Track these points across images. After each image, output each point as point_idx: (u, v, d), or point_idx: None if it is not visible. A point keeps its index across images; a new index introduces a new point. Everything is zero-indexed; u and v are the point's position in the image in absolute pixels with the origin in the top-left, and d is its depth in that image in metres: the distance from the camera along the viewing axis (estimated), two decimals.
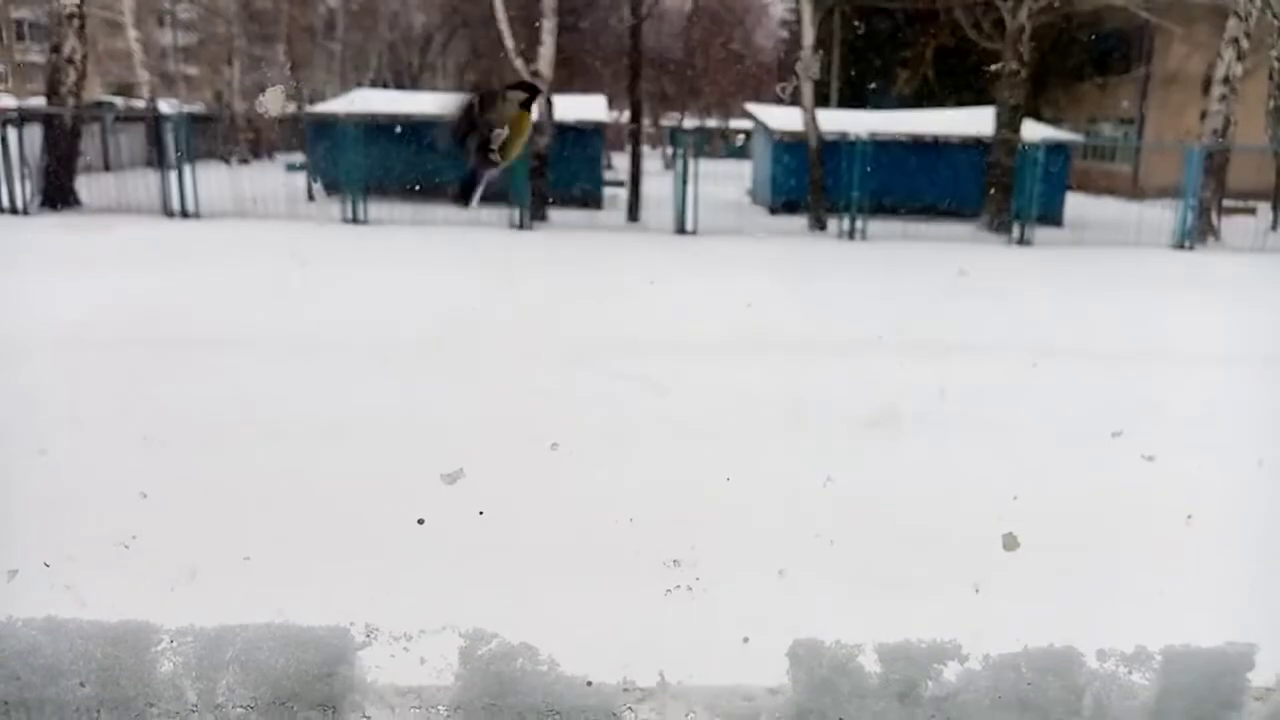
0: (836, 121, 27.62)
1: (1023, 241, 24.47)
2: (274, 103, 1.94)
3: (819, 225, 25.99)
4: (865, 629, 1.62)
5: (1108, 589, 5.49)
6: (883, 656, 1.51)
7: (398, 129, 26.77)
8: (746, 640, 2.01)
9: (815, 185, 26.28)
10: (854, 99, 38.25)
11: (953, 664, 1.52)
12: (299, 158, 32.13)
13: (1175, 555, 5.57)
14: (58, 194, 24.40)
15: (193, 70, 49.63)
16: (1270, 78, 26.15)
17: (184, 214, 24.11)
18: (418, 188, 25.96)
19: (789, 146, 28.43)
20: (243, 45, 43.86)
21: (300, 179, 28.89)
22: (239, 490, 6.72)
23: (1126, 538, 6.30)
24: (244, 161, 36.33)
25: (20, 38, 45.91)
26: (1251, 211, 28.37)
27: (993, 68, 27.56)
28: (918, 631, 1.54)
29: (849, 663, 1.50)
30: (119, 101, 37.59)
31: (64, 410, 8.59)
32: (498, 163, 3.27)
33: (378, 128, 26.15)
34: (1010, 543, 1.92)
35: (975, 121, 28.50)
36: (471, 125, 3.23)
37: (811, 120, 26.49)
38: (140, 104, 36.35)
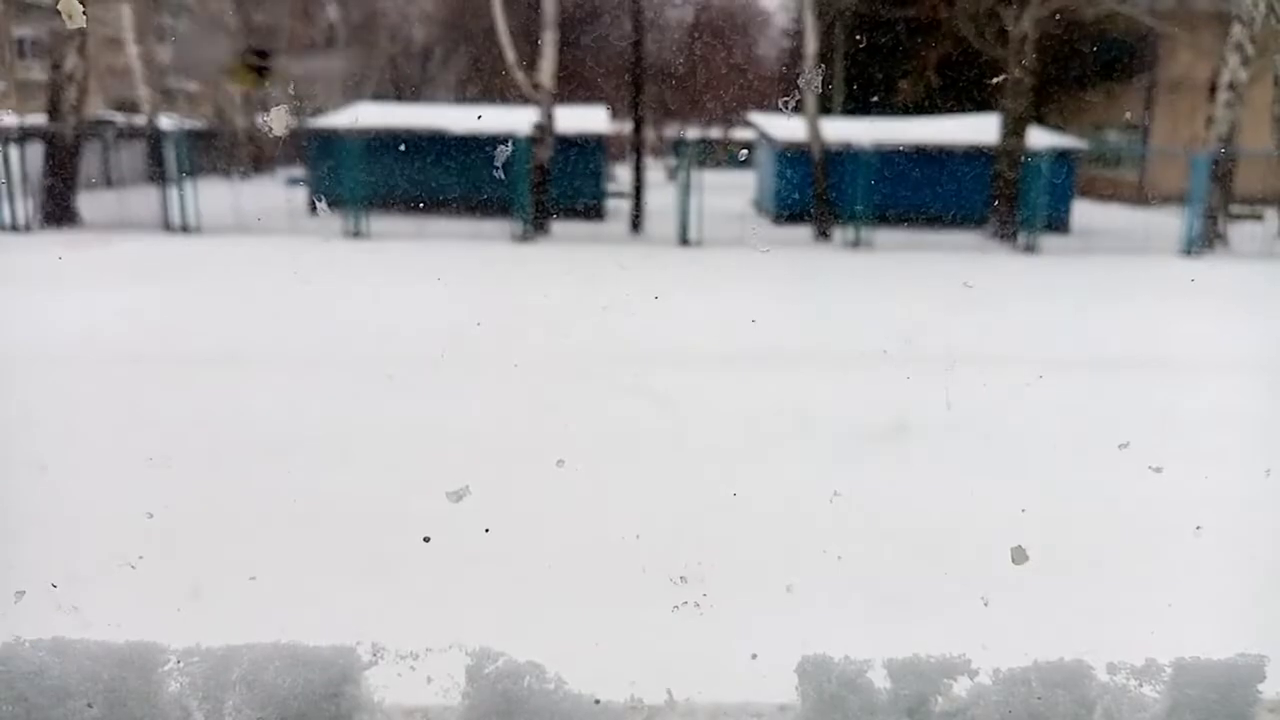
0: (840, 131, 27.64)
1: (1029, 250, 24.46)
2: (279, 122, 1.93)
3: (823, 235, 26.00)
4: (874, 644, 1.61)
5: (1117, 601, 5.48)
6: (892, 672, 1.51)
7: (400, 143, 26.86)
8: (755, 657, 2.00)
9: (819, 195, 26.28)
10: (857, 108, 38.27)
11: (963, 679, 1.51)
12: (300, 172, 32.19)
13: (1184, 567, 5.56)
14: (59, 211, 24.46)
15: (193, 86, 49.69)
16: (1275, 83, 26.11)
17: (185, 230, 24.17)
18: (421, 203, 26.04)
19: (792, 157, 28.44)
20: None
21: (301, 193, 28.93)
22: (244, 509, 6.72)
23: (1135, 550, 6.28)
24: (245, 176, 36.38)
25: (21, 55, 45.98)
26: (1259, 217, 28.33)
27: (996, 80, 27.59)
28: (927, 646, 1.54)
29: (858, 678, 1.49)
30: (120, 118, 37.66)
31: (67, 429, 8.60)
32: None
33: (379, 141, 26.21)
34: (1019, 556, 1.91)
35: (979, 129, 28.52)
36: None
37: (815, 130, 26.50)
38: (141, 120, 36.42)
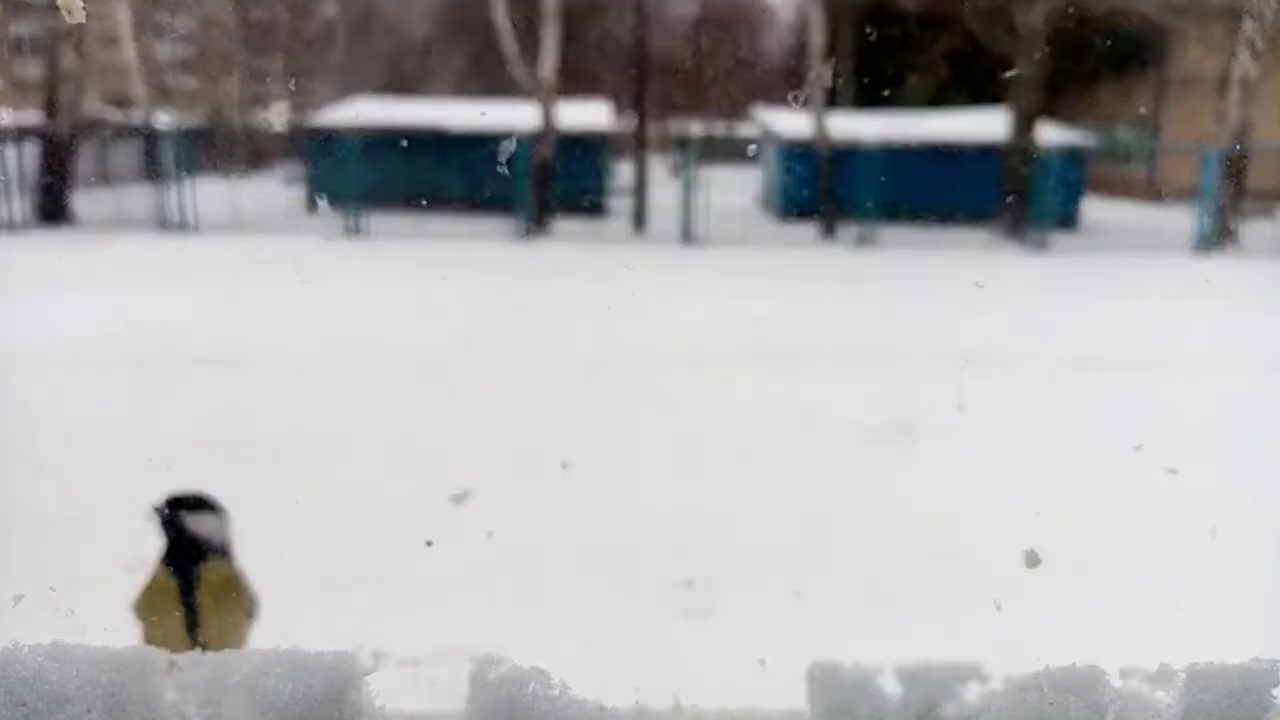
0: (846, 126, 27.61)
1: (1039, 247, 24.46)
2: (278, 117, 1.92)
3: (829, 233, 25.99)
4: (884, 649, 1.60)
5: (1131, 605, 5.47)
6: (902, 678, 1.49)
7: (399, 140, 26.86)
8: (763, 662, 1.99)
9: (826, 192, 26.27)
10: (864, 103, 38.29)
11: (974, 684, 1.50)
12: (298, 170, 32.23)
13: (1199, 570, 5.54)
14: (55, 209, 24.53)
15: (191, 83, 49.76)
16: None
17: (182, 228, 24.21)
18: (421, 200, 26.04)
19: (798, 153, 28.42)
20: (241, 58, 43.97)
21: (299, 191, 28.96)
22: (244, 513, 6.70)
23: (1149, 552, 6.27)
24: (242, 174, 36.43)
25: (18, 52, 46.11)
26: (1271, 214, 28.31)
27: (1007, 75, 27.59)
28: (938, 651, 1.52)
29: (868, 684, 1.48)
30: (116, 115, 37.69)
31: (65, 430, 8.59)
32: None
33: (378, 138, 26.22)
34: (1031, 559, 1.90)
35: (988, 125, 28.49)
36: None
37: (821, 126, 26.48)
38: (138, 118, 36.45)
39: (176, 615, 2.50)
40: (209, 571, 2.63)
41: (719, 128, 49.08)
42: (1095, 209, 30.11)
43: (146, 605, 2.52)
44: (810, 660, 1.51)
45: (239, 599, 2.64)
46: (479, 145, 26.68)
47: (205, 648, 2.47)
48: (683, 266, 21.05)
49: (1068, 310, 16.53)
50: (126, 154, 32.90)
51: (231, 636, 2.58)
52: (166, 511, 2.61)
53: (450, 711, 1.50)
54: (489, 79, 43.08)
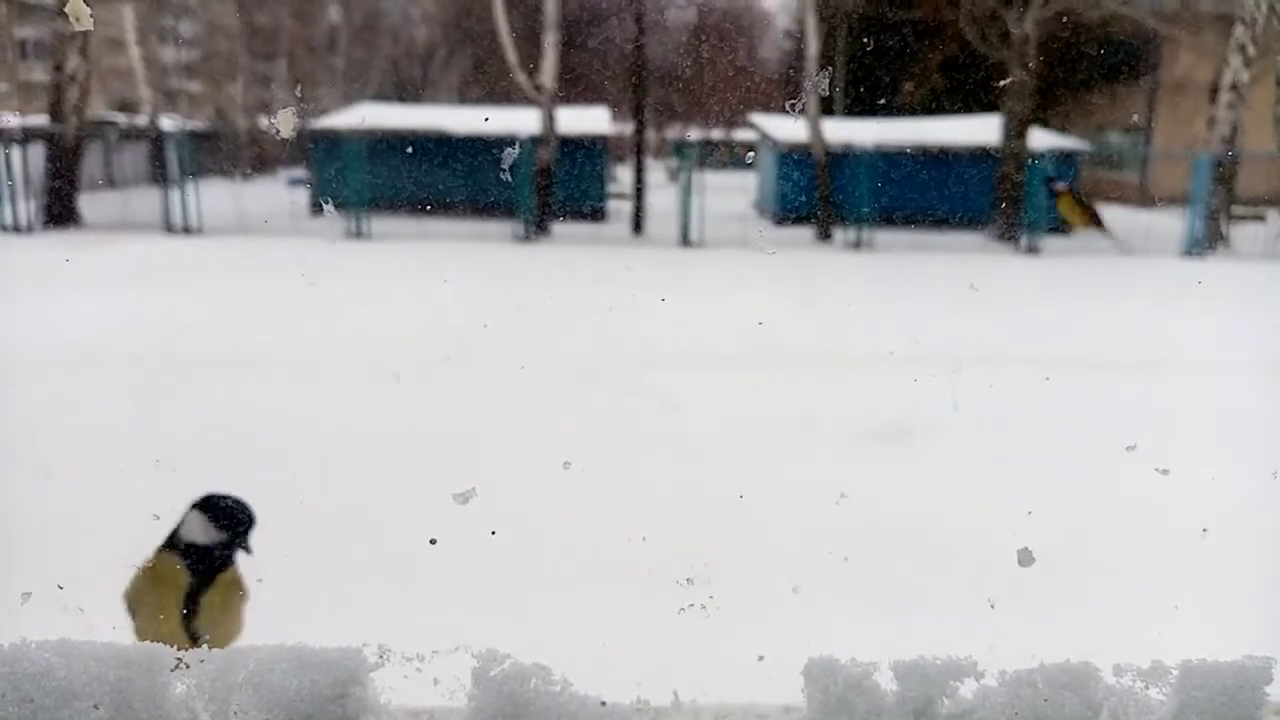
0: (842, 132, 27.62)
1: (1031, 251, 24.46)
2: (285, 124, 1.93)
3: (825, 237, 26.00)
4: (880, 646, 1.61)
5: (1124, 603, 5.48)
6: (898, 674, 1.50)
7: (403, 144, 26.89)
8: (761, 659, 2.00)
9: (823, 197, 26.27)
10: (860, 110, 38.27)
11: (969, 681, 1.51)
12: (302, 173, 32.22)
13: (1191, 569, 5.55)
14: (61, 212, 24.51)
15: (195, 87, 49.82)
16: (1277, 84, 26.11)
17: (187, 231, 24.21)
18: (423, 204, 26.06)
19: (795, 158, 28.43)
20: (245, 62, 44.03)
21: (303, 194, 28.96)
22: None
23: (1142, 551, 6.28)
24: (247, 177, 36.44)
25: (24, 56, 46.10)
26: (1261, 219, 28.33)
27: (1002, 84, 27.61)
28: (933, 648, 1.53)
29: (864, 681, 1.49)
30: (122, 119, 37.72)
31: (72, 431, 8.59)
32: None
33: (382, 143, 26.23)
34: (1025, 558, 1.91)
35: (980, 130, 28.51)
36: None
37: (817, 131, 26.49)
38: (143, 121, 36.48)
39: (175, 607, 2.50)
40: (225, 575, 2.64)
41: (717, 134, 49.09)
42: None
43: (142, 594, 2.51)
44: (807, 657, 1.52)
45: (240, 597, 2.65)
46: (481, 150, 26.74)
47: (198, 639, 2.48)
48: (681, 269, 21.03)
49: (1061, 312, 16.52)
50: (132, 157, 32.92)
51: (232, 633, 2.59)
52: (228, 525, 2.60)
53: (453, 707, 1.51)
54: (491, 85, 43.18)
